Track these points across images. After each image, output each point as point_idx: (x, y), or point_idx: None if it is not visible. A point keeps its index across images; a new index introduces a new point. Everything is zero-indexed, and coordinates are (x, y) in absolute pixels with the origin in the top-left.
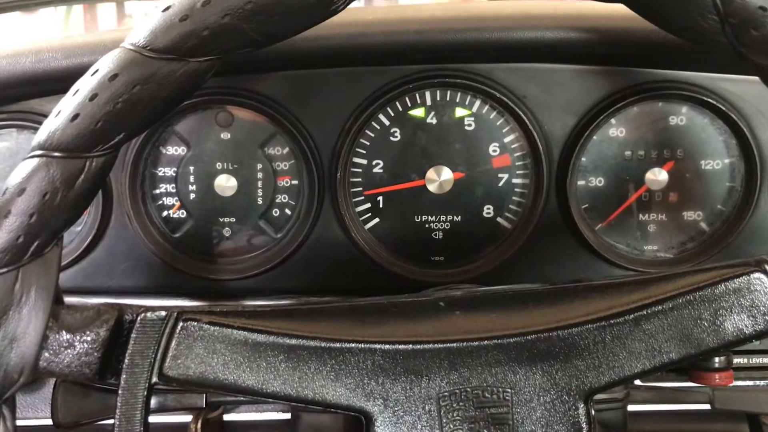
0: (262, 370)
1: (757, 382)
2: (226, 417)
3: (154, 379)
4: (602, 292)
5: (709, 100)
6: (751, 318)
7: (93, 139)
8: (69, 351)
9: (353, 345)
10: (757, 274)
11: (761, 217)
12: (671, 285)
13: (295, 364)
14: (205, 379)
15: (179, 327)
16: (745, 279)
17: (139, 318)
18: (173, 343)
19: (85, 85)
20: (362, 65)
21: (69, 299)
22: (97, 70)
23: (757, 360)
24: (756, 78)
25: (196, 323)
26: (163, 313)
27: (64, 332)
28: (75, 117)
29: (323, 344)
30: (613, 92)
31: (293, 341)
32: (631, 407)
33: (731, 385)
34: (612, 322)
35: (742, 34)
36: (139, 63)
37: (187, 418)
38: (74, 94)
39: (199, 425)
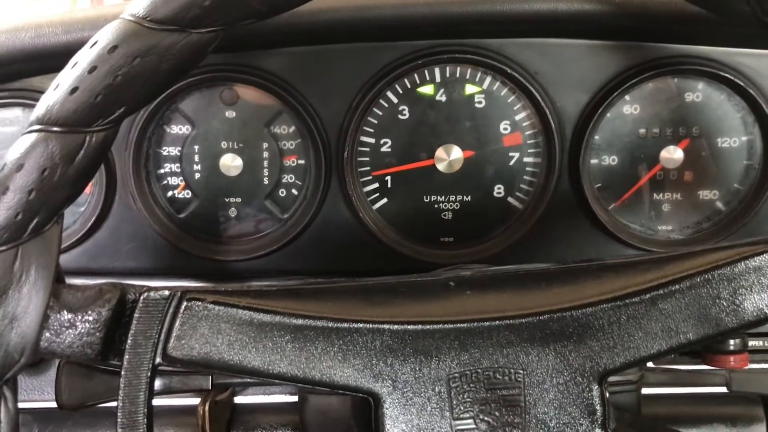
0: (267, 350)
1: None
2: (238, 399)
3: (158, 360)
4: (617, 271)
5: (727, 75)
6: None
7: (93, 113)
8: (70, 331)
9: (361, 325)
10: None
11: None
12: (689, 263)
13: (302, 344)
14: (209, 360)
15: (183, 306)
16: (766, 257)
17: (141, 297)
18: (177, 323)
19: (83, 58)
20: (370, 41)
21: (72, 280)
22: (96, 42)
23: None
24: None
25: (200, 303)
26: (167, 292)
27: (65, 311)
28: (74, 90)
29: (330, 324)
30: (627, 68)
31: (300, 321)
32: (644, 390)
33: (746, 367)
34: (627, 301)
35: (767, 2)
36: (139, 34)
37: (196, 400)
38: (73, 67)
39: (206, 407)
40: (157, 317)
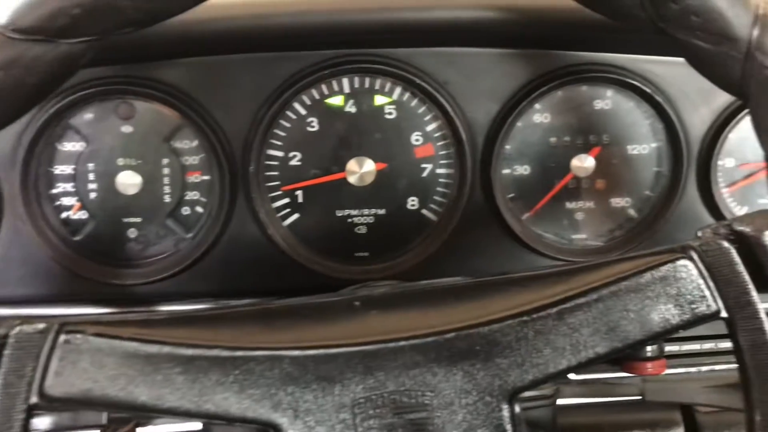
0: (156, 384)
1: (689, 370)
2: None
3: (34, 400)
4: (524, 284)
5: (634, 82)
6: (678, 307)
7: None
8: None
9: (258, 353)
10: (683, 261)
11: (689, 202)
12: (595, 275)
13: (194, 376)
14: (92, 397)
15: (61, 340)
16: (671, 267)
17: (13, 332)
18: (54, 358)
19: None
20: (273, 50)
21: None
22: None
23: (689, 347)
24: (682, 59)
25: (80, 335)
26: (42, 325)
27: None
28: None
29: (225, 353)
30: (537, 76)
31: (191, 351)
32: (561, 400)
33: (664, 373)
34: (534, 316)
35: (661, 7)
36: (1, 45)
37: None
38: None
39: None
40: (33, 353)
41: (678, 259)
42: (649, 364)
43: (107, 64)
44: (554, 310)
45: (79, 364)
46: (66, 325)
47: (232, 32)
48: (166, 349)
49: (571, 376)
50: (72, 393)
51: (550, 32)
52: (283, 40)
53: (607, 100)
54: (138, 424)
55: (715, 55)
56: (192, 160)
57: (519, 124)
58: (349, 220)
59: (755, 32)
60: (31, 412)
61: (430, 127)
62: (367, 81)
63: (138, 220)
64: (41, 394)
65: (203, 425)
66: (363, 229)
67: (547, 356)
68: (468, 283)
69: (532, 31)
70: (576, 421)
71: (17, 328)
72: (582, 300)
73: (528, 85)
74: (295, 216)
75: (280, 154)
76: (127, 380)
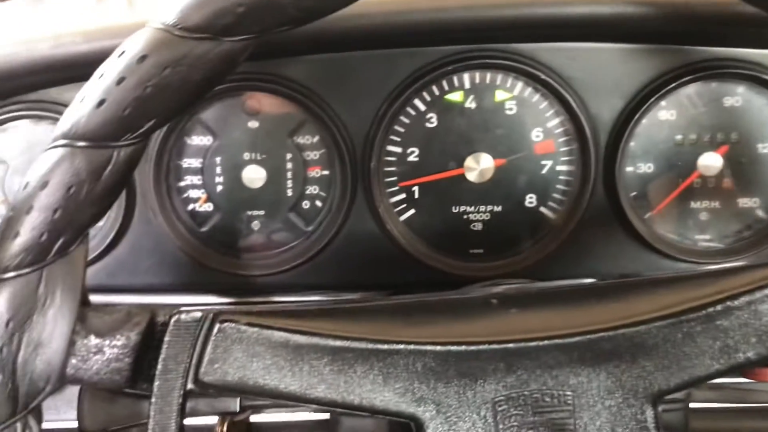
0: (305, 374)
1: None
2: (256, 418)
3: (190, 386)
4: (670, 286)
5: None
6: None
7: (121, 126)
8: (98, 357)
9: (402, 347)
10: None
11: None
12: (746, 278)
13: (341, 367)
14: (244, 385)
15: (216, 329)
16: None
17: (172, 320)
18: (209, 346)
19: (111, 68)
20: (396, 47)
21: (94, 298)
22: (123, 52)
23: None
24: None
25: (233, 324)
26: (199, 314)
27: (92, 336)
28: (101, 103)
29: (370, 346)
30: (664, 72)
31: (338, 343)
32: (692, 404)
33: None
34: (682, 318)
35: None
36: (169, 43)
37: (211, 419)
38: (100, 78)
39: (225, 428)
40: (189, 341)
41: None
42: None
43: None
44: (703, 312)
45: (233, 352)
46: (221, 315)
47: (358, 30)
48: (314, 340)
49: None
50: (225, 380)
51: (691, 28)
52: (410, 37)
53: (737, 96)
54: (254, 412)
55: None
56: (314, 155)
57: (644, 121)
58: (465, 216)
59: None
60: (187, 397)
61: (551, 123)
62: (488, 76)
63: (261, 213)
64: (196, 380)
65: (331, 415)
66: (478, 226)
67: (695, 360)
68: (609, 284)
69: (670, 27)
70: (709, 426)
71: (176, 317)
72: (733, 303)
73: (655, 81)
74: (411, 212)
75: (398, 150)
76: (277, 369)
